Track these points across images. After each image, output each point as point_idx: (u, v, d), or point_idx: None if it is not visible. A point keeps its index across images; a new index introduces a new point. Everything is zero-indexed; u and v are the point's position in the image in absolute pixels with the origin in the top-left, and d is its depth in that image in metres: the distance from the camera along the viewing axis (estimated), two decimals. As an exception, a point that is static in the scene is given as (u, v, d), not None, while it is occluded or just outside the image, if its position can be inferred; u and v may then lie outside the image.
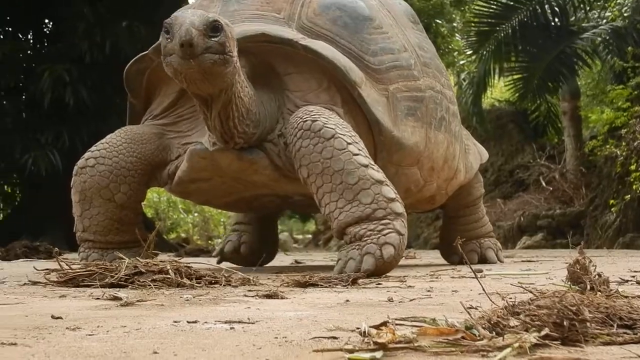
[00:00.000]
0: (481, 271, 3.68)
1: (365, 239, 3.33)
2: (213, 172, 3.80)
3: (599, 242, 17.81)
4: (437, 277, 3.43)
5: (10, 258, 7.93)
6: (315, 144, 3.36)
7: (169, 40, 3.13)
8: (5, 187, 15.67)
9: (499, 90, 22.41)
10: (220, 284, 2.75)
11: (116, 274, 2.72)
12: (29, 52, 13.72)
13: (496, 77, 17.73)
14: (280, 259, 6.38)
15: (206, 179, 3.89)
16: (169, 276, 2.69)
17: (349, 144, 3.35)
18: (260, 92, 3.68)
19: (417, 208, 5.06)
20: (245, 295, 2.38)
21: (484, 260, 5.13)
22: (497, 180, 21.84)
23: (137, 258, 2.97)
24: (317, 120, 3.43)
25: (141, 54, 4.10)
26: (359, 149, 3.39)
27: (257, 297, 2.30)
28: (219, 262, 5.07)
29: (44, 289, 2.70)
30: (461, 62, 21.69)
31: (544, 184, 20.76)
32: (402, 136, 3.94)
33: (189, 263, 2.95)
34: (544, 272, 3.93)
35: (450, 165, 4.63)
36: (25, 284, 2.98)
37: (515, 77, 17.02)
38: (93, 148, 3.85)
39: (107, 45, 12.41)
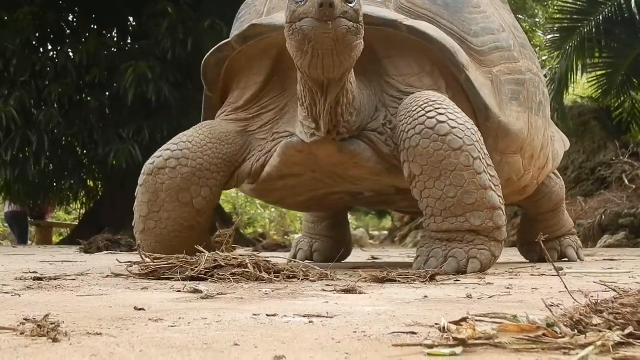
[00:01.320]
0: (562, 269, 3.62)
1: (456, 243, 3.22)
2: (307, 167, 3.57)
3: (684, 241, 17.34)
4: (516, 275, 3.38)
5: (92, 251, 8.13)
6: (437, 149, 3.14)
7: (301, 3, 2.93)
8: (88, 181, 16.02)
9: (582, 87, 21.96)
10: (298, 279, 2.77)
11: (196, 267, 2.76)
12: (113, 49, 13.99)
13: (579, 73, 17.37)
14: (357, 255, 6.38)
15: (297, 174, 3.66)
16: (247, 270, 2.71)
17: (475, 159, 3.12)
18: (357, 77, 3.41)
19: (508, 200, 4.77)
20: (324, 290, 2.39)
21: (564, 258, 5.03)
22: (578, 178, 21.42)
23: (217, 252, 2.97)
24: (443, 121, 3.16)
25: (223, 42, 3.84)
26: (485, 166, 3.17)
27: (335, 292, 2.30)
28: None
29: (127, 281, 2.75)
30: (543, 59, 21.33)
31: (626, 182, 20.28)
32: (508, 122, 3.72)
33: (268, 257, 2.97)
34: (626, 271, 3.84)
35: (545, 152, 4.41)
36: (108, 276, 3.04)
37: (599, 73, 16.68)
38: (171, 146, 3.57)
39: (189, 42, 12.60)
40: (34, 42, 14.08)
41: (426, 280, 2.75)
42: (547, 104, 4.46)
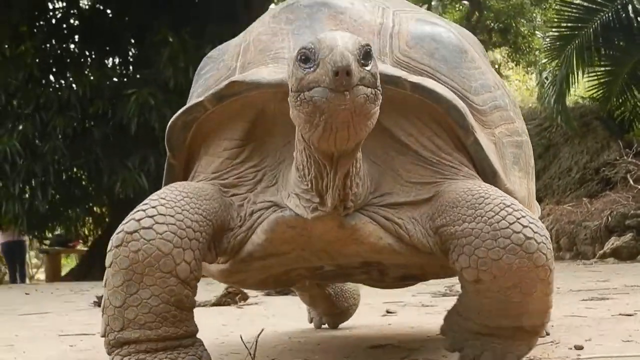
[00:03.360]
0: (581, 347, 3.53)
1: (494, 338, 3.02)
2: (297, 245, 3.10)
3: (691, 241, 17.35)
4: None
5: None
6: (522, 265, 2.80)
7: (311, 69, 2.51)
8: (95, 208, 16.11)
9: (582, 87, 21.96)
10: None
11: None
12: (114, 79, 14.07)
13: (579, 77, 17.40)
14: (369, 305, 6.26)
15: (283, 253, 3.18)
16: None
17: (552, 271, 2.85)
18: None
19: None
20: None
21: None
22: (583, 178, 21.41)
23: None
24: (530, 237, 2.81)
25: (194, 103, 3.23)
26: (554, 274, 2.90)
27: None
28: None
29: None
30: (543, 61, 21.36)
31: (631, 182, 20.26)
32: (514, 189, 3.37)
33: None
34: None
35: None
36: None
37: (601, 80, 16.68)
38: (142, 207, 2.91)
39: (190, 70, 12.64)
40: (37, 75, 14.15)
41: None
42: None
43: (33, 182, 14.32)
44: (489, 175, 3.22)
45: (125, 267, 2.79)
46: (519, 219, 2.83)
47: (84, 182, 15.09)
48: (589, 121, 22.01)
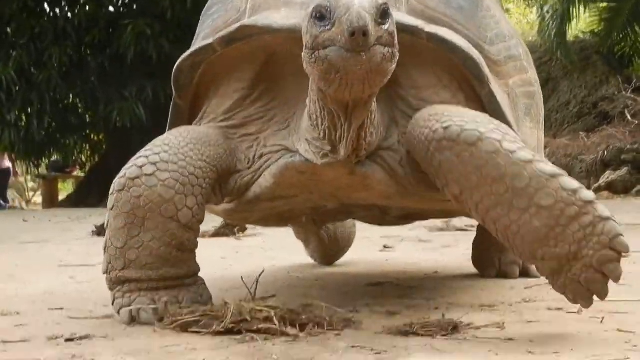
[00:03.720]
0: None
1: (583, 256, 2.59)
2: (306, 189, 3.09)
3: (685, 177, 17.44)
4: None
5: (104, 234, 8.16)
6: (457, 154, 2.68)
7: (326, 27, 2.43)
8: (92, 135, 16.11)
9: (584, 22, 21.76)
10: (323, 329, 2.80)
11: (223, 320, 2.79)
12: (110, 8, 13.91)
13: (580, 12, 17.23)
14: (368, 240, 6.25)
15: (291, 196, 3.19)
16: (274, 325, 2.75)
17: (500, 141, 2.66)
18: None
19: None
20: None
21: (525, 273, 4.06)
22: (580, 112, 21.38)
23: (242, 303, 2.97)
24: (449, 126, 2.72)
25: (203, 44, 3.18)
26: (515, 143, 2.69)
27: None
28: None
29: (156, 341, 2.79)
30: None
31: (629, 117, 20.26)
32: (525, 140, 3.15)
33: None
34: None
35: None
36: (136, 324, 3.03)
37: (603, 16, 16.51)
38: (144, 152, 2.95)
39: (188, 0, 12.50)
40: (31, 4, 14.01)
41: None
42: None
43: (29, 110, 14.31)
44: None
45: (126, 211, 2.86)
46: (441, 122, 2.76)
47: (80, 111, 15.04)
48: (589, 55, 21.86)
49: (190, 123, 3.34)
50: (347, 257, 4.99)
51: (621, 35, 18.49)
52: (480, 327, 2.83)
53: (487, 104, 3.13)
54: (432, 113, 2.86)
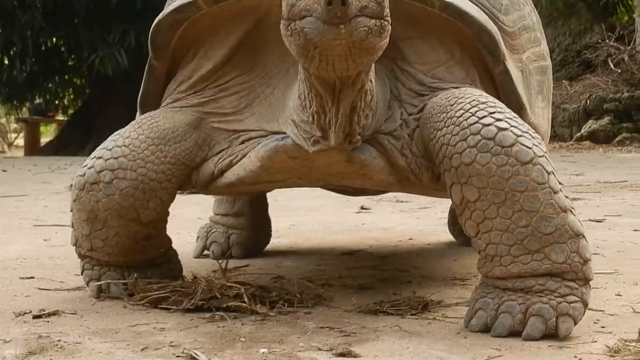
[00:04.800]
0: None
1: (540, 296, 2.38)
2: (295, 174, 2.76)
3: (666, 127, 17.51)
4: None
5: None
6: (501, 164, 2.31)
7: None
8: (75, 79, 15.95)
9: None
10: (293, 306, 2.77)
11: (192, 297, 2.76)
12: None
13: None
14: (345, 199, 6.12)
15: (278, 181, 2.90)
16: (244, 303, 2.72)
17: (549, 173, 2.34)
18: None
19: None
20: (320, 350, 2.39)
21: None
22: (564, 60, 21.36)
23: (213, 279, 2.93)
24: (504, 128, 2.34)
25: (187, 1, 2.80)
26: (560, 183, 2.39)
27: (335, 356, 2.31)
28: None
29: (126, 318, 2.76)
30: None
31: (612, 65, 20.23)
32: (537, 123, 2.90)
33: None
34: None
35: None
36: (105, 298, 3.00)
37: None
38: (104, 153, 2.75)
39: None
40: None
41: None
42: None
43: (11, 52, 14.13)
44: (514, 107, 2.71)
45: (88, 209, 2.75)
46: (492, 113, 2.41)
47: (63, 54, 14.84)
48: (574, 3, 21.76)
49: (165, 88, 3.03)
50: (324, 218, 4.96)
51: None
52: (451, 305, 2.81)
53: (500, 83, 2.82)
54: (479, 102, 2.48)
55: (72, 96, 16.57)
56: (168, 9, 2.86)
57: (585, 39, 21.52)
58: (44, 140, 20.80)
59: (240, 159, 2.79)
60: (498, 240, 2.40)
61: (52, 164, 12.33)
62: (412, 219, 5.28)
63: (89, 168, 2.73)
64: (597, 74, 20.42)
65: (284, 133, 2.63)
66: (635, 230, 4.37)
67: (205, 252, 3.86)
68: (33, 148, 18.09)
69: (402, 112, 2.68)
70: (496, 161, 2.31)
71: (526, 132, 2.37)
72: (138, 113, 3.06)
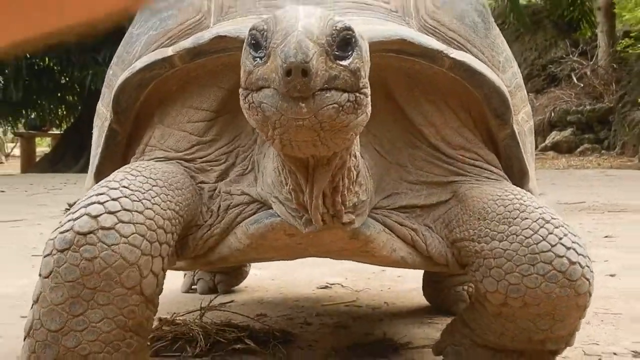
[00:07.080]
0: None
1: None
2: (289, 251, 2.39)
3: (626, 138, 17.73)
4: None
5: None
6: (562, 295, 2.13)
7: (261, 60, 1.65)
8: (67, 96, 16.03)
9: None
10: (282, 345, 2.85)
11: (195, 344, 2.77)
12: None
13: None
14: None
15: (267, 258, 2.57)
16: (247, 344, 2.78)
17: (591, 296, 2.23)
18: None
19: None
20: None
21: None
22: (530, 74, 21.57)
23: (206, 324, 2.94)
24: (574, 261, 2.11)
25: (160, 58, 2.28)
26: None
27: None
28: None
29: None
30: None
31: (575, 79, 20.49)
32: (533, 187, 2.66)
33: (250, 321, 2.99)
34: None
35: None
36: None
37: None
38: (99, 197, 1.97)
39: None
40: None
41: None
42: None
43: (7, 71, 14.19)
44: (516, 174, 2.53)
45: (72, 280, 1.90)
46: (561, 238, 2.17)
47: (55, 73, 14.94)
48: (540, 19, 22.02)
49: (125, 158, 2.46)
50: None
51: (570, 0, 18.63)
52: (419, 347, 2.93)
53: (504, 148, 2.49)
54: (545, 220, 2.20)
55: (64, 112, 16.63)
56: (135, 67, 2.33)
57: (550, 54, 21.77)
58: (40, 150, 20.85)
59: (226, 237, 2.29)
60: (512, 329, 2.31)
61: (47, 182, 12.35)
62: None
63: (77, 219, 1.92)
64: (561, 87, 20.70)
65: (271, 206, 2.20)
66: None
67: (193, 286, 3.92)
68: (29, 162, 18.07)
69: (412, 179, 2.39)
70: (559, 292, 2.14)
71: (586, 258, 2.19)
72: (92, 183, 2.41)
